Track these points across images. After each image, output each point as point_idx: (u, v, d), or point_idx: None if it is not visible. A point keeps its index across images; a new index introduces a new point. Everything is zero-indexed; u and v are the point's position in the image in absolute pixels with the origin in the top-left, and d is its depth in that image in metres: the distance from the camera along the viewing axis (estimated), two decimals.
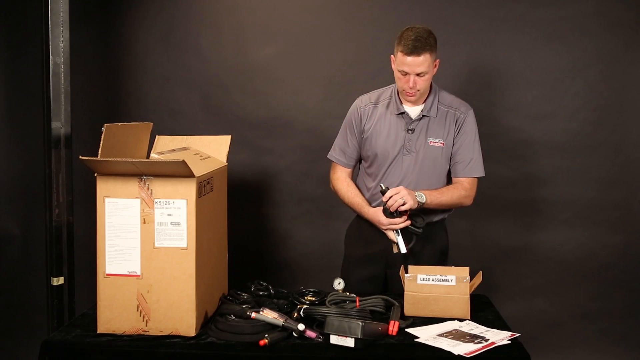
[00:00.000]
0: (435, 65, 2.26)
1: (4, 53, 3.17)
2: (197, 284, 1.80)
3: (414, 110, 2.35)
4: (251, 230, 3.22)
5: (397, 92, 2.35)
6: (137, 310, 1.80)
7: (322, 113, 3.12)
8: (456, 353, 1.66)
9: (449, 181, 2.41)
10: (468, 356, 1.64)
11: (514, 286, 3.11)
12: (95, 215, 1.80)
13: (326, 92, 3.13)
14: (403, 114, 2.34)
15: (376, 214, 2.29)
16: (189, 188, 1.77)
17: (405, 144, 2.33)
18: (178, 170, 1.73)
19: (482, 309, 2.07)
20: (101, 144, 1.84)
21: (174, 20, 3.17)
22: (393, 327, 1.79)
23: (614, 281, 3.07)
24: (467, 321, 1.92)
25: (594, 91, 3.01)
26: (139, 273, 1.80)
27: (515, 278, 3.12)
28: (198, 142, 2.25)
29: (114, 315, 1.81)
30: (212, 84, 3.16)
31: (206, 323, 1.87)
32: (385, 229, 2.28)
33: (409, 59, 2.17)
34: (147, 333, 1.80)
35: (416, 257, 2.36)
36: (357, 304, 1.92)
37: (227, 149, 2.23)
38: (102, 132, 1.85)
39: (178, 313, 1.79)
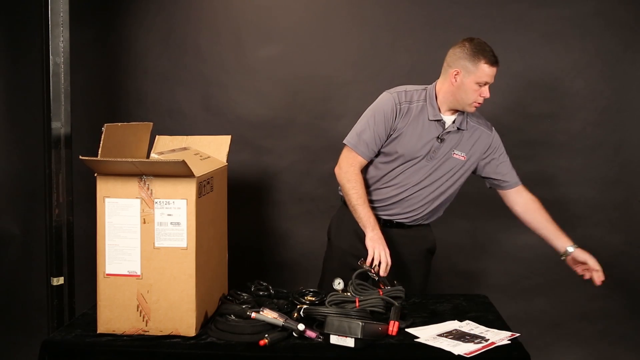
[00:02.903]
0: None
1: (4, 53, 3.16)
2: (197, 284, 1.80)
3: (448, 120, 2.36)
4: (251, 230, 3.22)
5: (436, 97, 2.36)
6: (137, 310, 1.80)
7: (322, 113, 3.12)
8: (456, 353, 1.66)
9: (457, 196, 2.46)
10: (468, 356, 1.64)
11: (514, 286, 3.11)
12: (95, 215, 1.80)
13: (326, 92, 3.13)
14: (439, 121, 2.34)
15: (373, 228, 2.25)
16: (189, 188, 1.77)
17: (431, 150, 2.34)
18: (178, 170, 1.73)
19: (482, 309, 2.08)
20: (101, 144, 1.84)
21: (174, 20, 3.17)
22: (393, 327, 1.79)
23: (614, 281, 3.06)
24: (467, 321, 1.92)
25: (594, 91, 3.01)
26: (139, 273, 1.80)
27: (515, 278, 3.12)
28: (198, 142, 2.25)
29: (114, 315, 1.81)
30: (212, 84, 3.16)
31: (206, 323, 1.87)
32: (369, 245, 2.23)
33: (494, 69, 2.29)
34: (147, 333, 1.80)
35: (403, 257, 2.38)
36: (357, 304, 1.92)
37: (227, 149, 2.23)
38: (102, 132, 1.85)
39: (178, 313, 1.79)
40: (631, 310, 3.06)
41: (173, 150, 2.10)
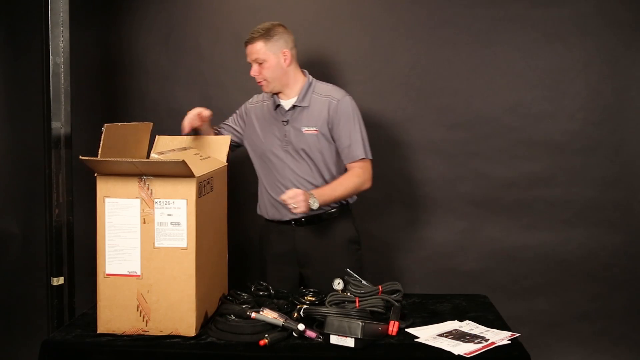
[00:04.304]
0: (284, 54, 2.41)
1: (4, 53, 3.16)
2: (197, 284, 1.80)
3: (287, 103, 2.46)
4: (251, 230, 3.22)
5: None
6: (137, 310, 1.80)
7: None
8: (456, 353, 1.66)
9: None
10: (468, 356, 1.64)
11: (514, 286, 3.11)
12: (95, 215, 1.80)
13: None
14: (278, 106, 2.46)
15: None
16: (189, 188, 1.77)
17: (282, 136, 2.43)
18: (178, 170, 1.73)
19: (482, 309, 2.08)
20: (101, 144, 1.84)
21: (174, 20, 3.17)
22: (393, 327, 1.79)
23: (614, 281, 3.07)
24: (467, 321, 1.92)
25: (594, 91, 3.01)
26: (139, 273, 1.80)
27: (515, 278, 3.11)
28: (198, 142, 2.25)
29: (114, 315, 1.81)
30: (212, 84, 3.16)
31: (206, 323, 1.88)
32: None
33: (247, 47, 2.43)
34: (147, 333, 1.80)
35: (323, 249, 2.45)
36: (357, 304, 1.92)
37: (227, 149, 2.23)
38: (102, 132, 1.85)
39: (178, 313, 1.79)
40: (631, 310, 3.06)
41: (173, 150, 2.10)
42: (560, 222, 3.08)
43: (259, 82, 2.45)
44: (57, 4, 2.46)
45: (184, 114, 2.39)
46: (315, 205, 2.24)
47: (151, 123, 2.18)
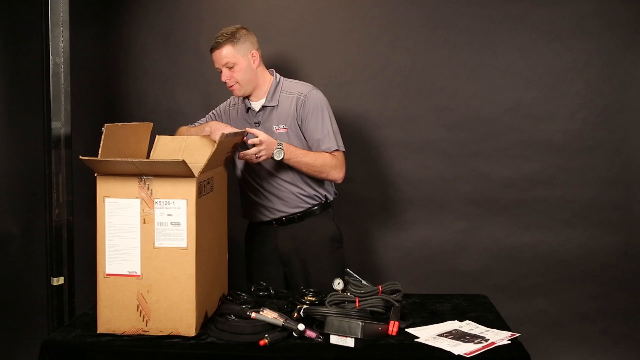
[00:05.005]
0: (253, 55, 2.42)
1: (4, 53, 3.16)
2: (197, 284, 1.80)
3: (257, 104, 2.47)
4: None
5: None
6: (137, 310, 1.80)
7: None
8: (456, 353, 1.66)
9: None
10: (468, 356, 1.64)
11: (514, 286, 3.11)
12: (95, 215, 1.80)
13: (326, 92, 3.11)
14: (249, 109, 2.47)
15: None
16: (189, 188, 1.77)
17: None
18: (178, 170, 1.73)
19: (482, 309, 2.08)
20: (101, 144, 1.84)
21: (174, 20, 3.17)
22: (393, 327, 1.79)
23: (614, 281, 3.07)
24: (467, 321, 1.92)
25: (594, 91, 3.01)
26: (139, 273, 1.80)
27: (515, 278, 3.12)
28: (198, 142, 2.25)
29: (114, 315, 1.81)
30: (212, 84, 3.16)
31: (206, 323, 1.87)
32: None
33: (213, 54, 2.43)
34: (147, 333, 1.80)
35: (304, 248, 2.46)
36: (357, 304, 1.92)
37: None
38: (102, 132, 1.85)
39: (178, 313, 1.79)
40: (631, 310, 3.06)
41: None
42: (560, 222, 3.08)
43: (231, 87, 2.43)
44: (57, 4, 2.46)
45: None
46: (278, 156, 2.24)
47: (151, 123, 2.18)
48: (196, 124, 2.60)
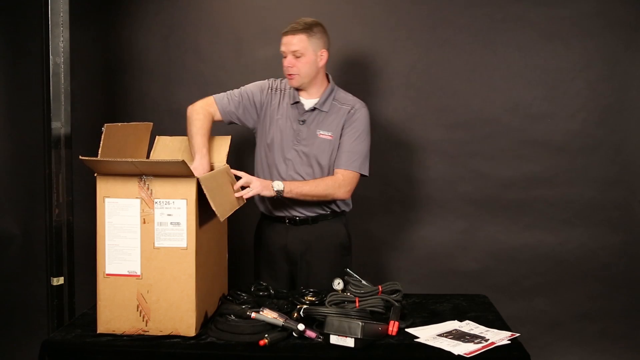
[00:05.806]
0: (322, 54, 2.39)
1: (4, 53, 3.17)
2: (197, 284, 1.80)
3: (308, 103, 2.43)
4: (251, 230, 3.21)
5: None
6: (137, 310, 1.80)
7: None
8: (456, 353, 1.66)
9: None
10: (468, 356, 1.64)
11: (514, 286, 3.11)
12: (95, 215, 1.80)
13: None
14: (297, 103, 2.43)
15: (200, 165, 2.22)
16: (189, 188, 1.77)
17: (295, 134, 2.40)
18: (178, 170, 1.73)
19: (482, 309, 2.08)
20: (101, 144, 1.84)
21: (174, 20, 3.17)
22: (393, 327, 1.79)
23: (614, 281, 3.07)
24: (467, 321, 1.92)
25: (594, 91, 3.01)
26: (139, 273, 1.80)
27: (515, 278, 3.12)
28: None
29: (114, 315, 1.81)
30: (212, 84, 3.15)
31: (206, 323, 1.88)
32: None
33: (285, 38, 2.37)
34: (147, 333, 1.80)
35: (312, 251, 2.44)
36: (357, 304, 1.92)
37: (227, 149, 2.23)
38: (102, 132, 1.85)
39: (178, 313, 1.79)
40: (631, 310, 3.06)
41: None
42: (560, 222, 3.08)
43: (290, 75, 2.37)
44: (57, 4, 2.46)
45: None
46: (277, 187, 2.23)
47: (151, 123, 2.18)
48: (228, 92, 2.49)
